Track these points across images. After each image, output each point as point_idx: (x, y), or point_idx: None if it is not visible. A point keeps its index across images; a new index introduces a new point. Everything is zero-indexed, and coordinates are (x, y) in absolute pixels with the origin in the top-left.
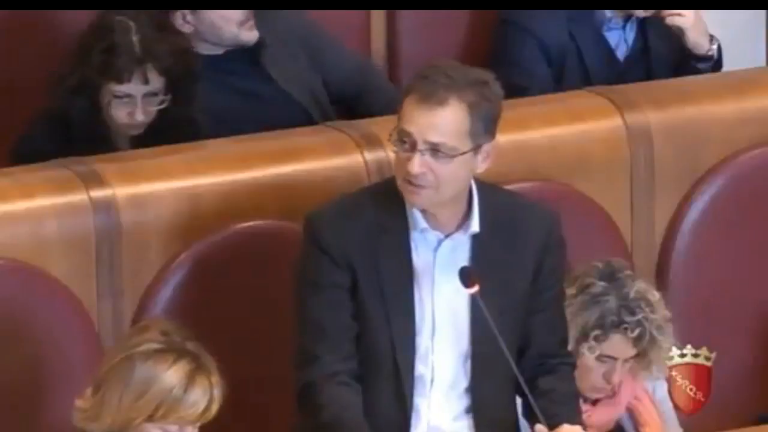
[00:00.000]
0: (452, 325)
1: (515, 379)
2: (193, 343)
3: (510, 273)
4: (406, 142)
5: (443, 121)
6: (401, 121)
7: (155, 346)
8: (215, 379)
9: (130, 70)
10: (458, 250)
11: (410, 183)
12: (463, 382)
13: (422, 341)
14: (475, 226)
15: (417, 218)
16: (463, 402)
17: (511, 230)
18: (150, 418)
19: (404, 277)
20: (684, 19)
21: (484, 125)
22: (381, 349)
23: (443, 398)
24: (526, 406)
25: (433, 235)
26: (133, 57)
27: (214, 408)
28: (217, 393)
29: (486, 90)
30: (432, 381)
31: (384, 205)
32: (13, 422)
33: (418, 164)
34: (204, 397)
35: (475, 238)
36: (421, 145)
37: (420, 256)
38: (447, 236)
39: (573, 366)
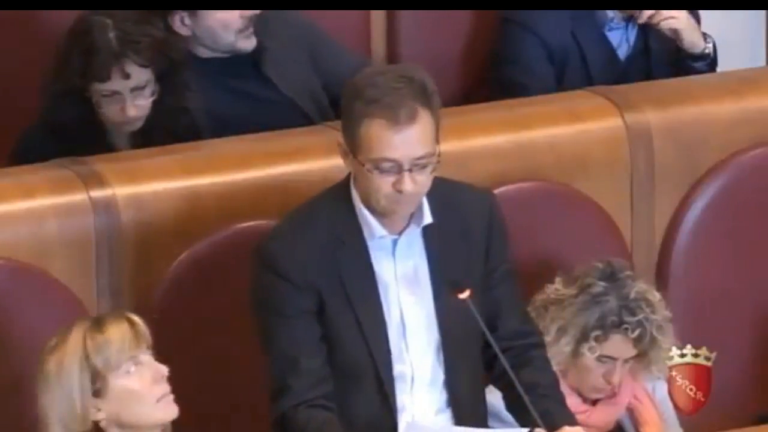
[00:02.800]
0: (421, 320)
1: (483, 367)
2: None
3: (464, 256)
4: (387, 167)
5: (420, 134)
6: (375, 149)
7: (54, 340)
8: (121, 311)
9: (109, 67)
10: (414, 244)
11: (397, 201)
12: (441, 376)
13: (395, 340)
14: (427, 218)
15: (373, 227)
16: (444, 395)
17: (456, 216)
18: (103, 380)
19: (369, 285)
20: (677, 20)
21: (438, 120)
22: (358, 357)
23: (425, 394)
24: (508, 398)
25: (389, 238)
26: (110, 54)
27: (143, 328)
28: (134, 317)
29: (429, 87)
30: (412, 378)
31: (336, 217)
32: (13, 422)
33: (410, 182)
34: (120, 322)
35: (426, 229)
36: (407, 164)
37: (380, 262)
38: (400, 233)
39: (541, 346)
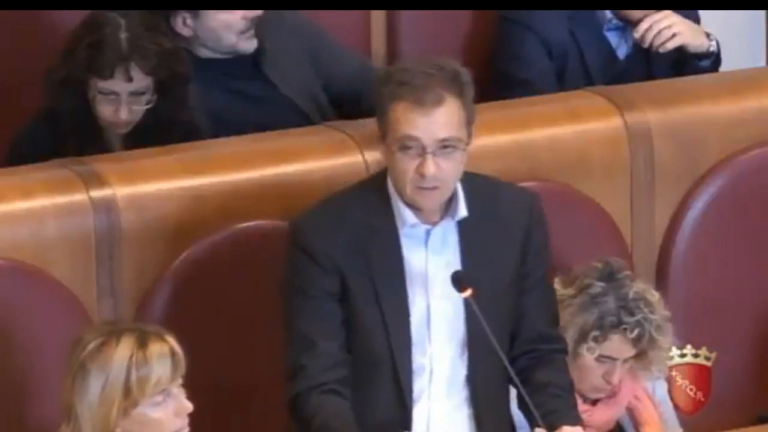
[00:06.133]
0: (448, 314)
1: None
2: (128, 322)
3: (499, 255)
4: (411, 147)
5: (445, 117)
6: (400, 128)
7: (97, 341)
8: (165, 335)
9: (113, 66)
10: (448, 238)
11: (423, 187)
12: (462, 372)
13: (418, 333)
14: (462, 211)
15: (406, 215)
16: (464, 392)
17: (495, 213)
18: (133, 402)
19: (397, 275)
20: (681, 36)
21: (471, 112)
22: (376, 345)
23: (444, 389)
24: (521, 397)
25: (422, 228)
26: (118, 53)
27: (182, 361)
28: (176, 345)
29: (463, 77)
30: (431, 372)
31: (371, 205)
32: (13, 421)
33: (432, 165)
34: (164, 351)
35: (462, 224)
36: (431, 147)
37: (411, 252)
38: (435, 225)
39: (565, 352)
